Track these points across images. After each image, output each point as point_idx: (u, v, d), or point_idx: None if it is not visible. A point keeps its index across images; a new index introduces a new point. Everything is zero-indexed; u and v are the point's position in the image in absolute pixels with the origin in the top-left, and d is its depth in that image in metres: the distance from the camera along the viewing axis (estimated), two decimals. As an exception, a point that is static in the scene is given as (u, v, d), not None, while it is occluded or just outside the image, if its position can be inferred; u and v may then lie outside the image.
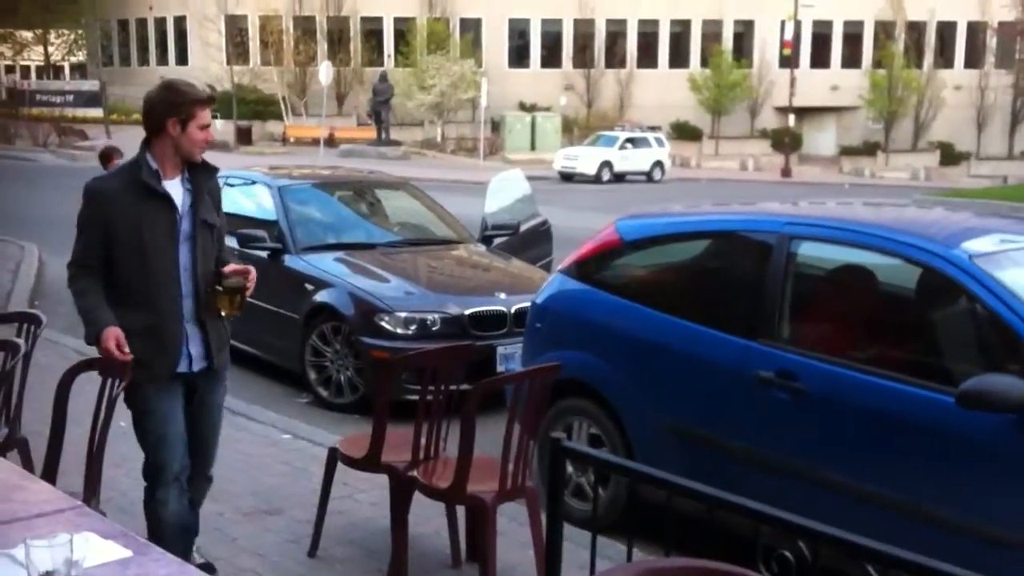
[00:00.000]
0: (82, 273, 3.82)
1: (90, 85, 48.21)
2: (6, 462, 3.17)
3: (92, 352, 3.80)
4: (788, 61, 46.56)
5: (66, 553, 2.17)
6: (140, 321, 3.75)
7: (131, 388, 3.72)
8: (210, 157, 3.96)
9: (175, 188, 3.81)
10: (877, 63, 51.68)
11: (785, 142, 46.13)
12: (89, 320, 3.77)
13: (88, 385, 3.66)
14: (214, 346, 3.94)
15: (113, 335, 3.68)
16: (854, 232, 4.55)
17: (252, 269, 3.93)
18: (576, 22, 51.07)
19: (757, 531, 2.84)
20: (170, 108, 3.72)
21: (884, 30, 51.96)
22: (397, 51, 48.68)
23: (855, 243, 4.52)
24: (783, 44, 48.04)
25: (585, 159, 37.09)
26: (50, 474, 3.51)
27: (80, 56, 60.45)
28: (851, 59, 53.38)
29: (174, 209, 3.79)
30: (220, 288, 3.82)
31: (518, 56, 51.72)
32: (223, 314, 3.89)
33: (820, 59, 53.15)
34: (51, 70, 59.53)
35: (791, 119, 47.04)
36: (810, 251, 4.69)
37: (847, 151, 50.99)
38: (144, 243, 3.73)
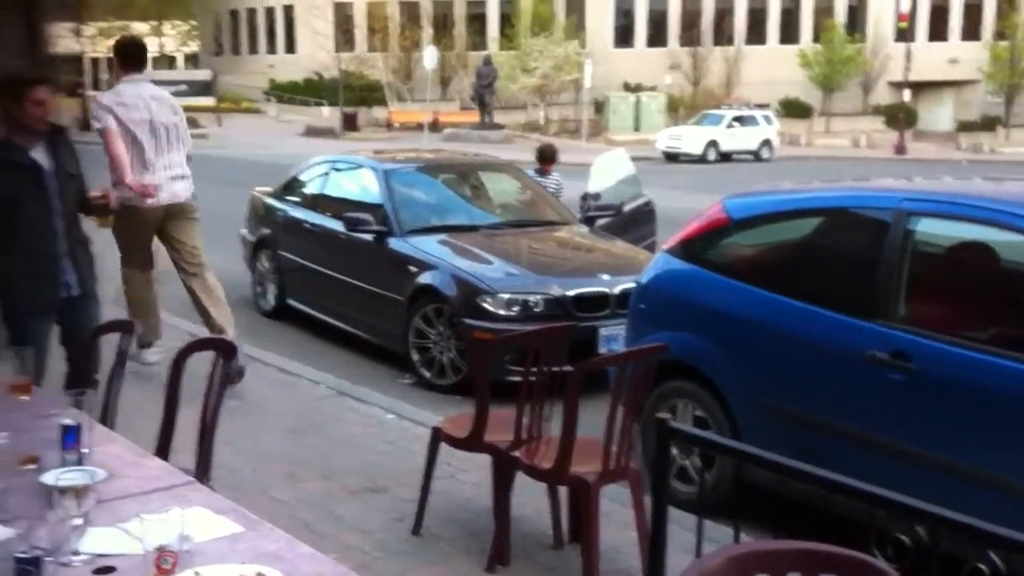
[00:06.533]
0: None
1: (203, 74, 49.51)
2: (121, 439, 3.26)
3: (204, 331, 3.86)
4: (904, 34, 44.98)
5: (179, 528, 2.21)
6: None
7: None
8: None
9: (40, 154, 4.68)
10: (999, 34, 49.56)
11: (899, 118, 44.65)
12: None
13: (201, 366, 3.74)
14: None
15: None
16: (974, 208, 4.37)
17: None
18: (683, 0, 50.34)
19: (872, 515, 2.75)
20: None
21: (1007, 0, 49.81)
22: (501, 34, 48.73)
23: (975, 219, 4.35)
24: (899, 17, 46.39)
25: (690, 138, 36.54)
26: (163, 451, 3.60)
27: (193, 46, 62.18)
28: (970, 31, 51.35)
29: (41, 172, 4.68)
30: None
31: (623, 36, 51.24)
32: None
33: (938, 32, 51.29)
34: (165, 61, 61.39)
35: (906, 94, 45.45)
36: (929, 228, 4.52)
37: (965, 126, 49.08)
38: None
